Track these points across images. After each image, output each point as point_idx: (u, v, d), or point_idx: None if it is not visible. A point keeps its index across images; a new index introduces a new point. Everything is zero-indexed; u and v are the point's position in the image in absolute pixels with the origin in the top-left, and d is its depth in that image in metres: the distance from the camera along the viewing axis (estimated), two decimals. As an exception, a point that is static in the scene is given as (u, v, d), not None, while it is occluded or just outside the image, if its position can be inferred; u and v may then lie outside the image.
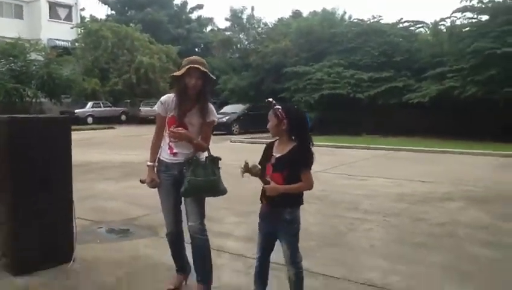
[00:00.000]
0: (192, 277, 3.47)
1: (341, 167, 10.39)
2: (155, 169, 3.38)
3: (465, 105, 17.41)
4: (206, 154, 3.27)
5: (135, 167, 10.40)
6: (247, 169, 2.90)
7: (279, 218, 2.94)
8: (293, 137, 2.95)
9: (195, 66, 3.18)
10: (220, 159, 3.26)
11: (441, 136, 17.43)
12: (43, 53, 28.36)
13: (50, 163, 3.90)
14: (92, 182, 8.05)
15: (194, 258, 3.33)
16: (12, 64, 26.75)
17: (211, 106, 3.37)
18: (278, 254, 3.05)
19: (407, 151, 13.98)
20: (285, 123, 2.90)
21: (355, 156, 12.79)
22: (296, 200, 2.96)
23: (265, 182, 2.91)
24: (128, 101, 34.46)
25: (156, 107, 3.37)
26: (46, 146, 3.87)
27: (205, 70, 3.23)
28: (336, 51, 22.84)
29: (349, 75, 21.00)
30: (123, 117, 32.21)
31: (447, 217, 5.86)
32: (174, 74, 3.28)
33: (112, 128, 25.86)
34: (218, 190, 3.23)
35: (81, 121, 27.84)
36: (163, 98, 3.39)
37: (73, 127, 17.92)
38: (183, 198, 3.30)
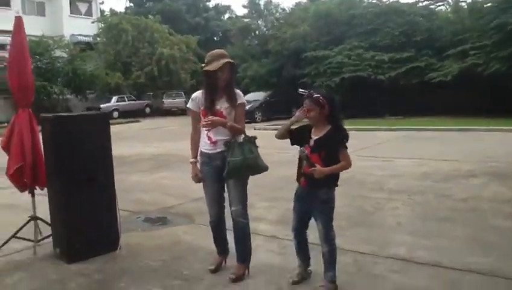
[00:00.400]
0: (230, 258, 3.77)
1: (365, 150, 10.54)
2: (198, 164, 3.61)
3: (488, 82, 17.23)
4: (242, 136, 3.48)
5: (165, 158, 10.81)
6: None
7: (316, 197, 3.19)
8: (329, 120, 3.18)
9: (229, 60, 3.44)
10: (256, 138, 3.48)
11: (464, 115, 17.31)
12: (67, 49, 28.84)
13: (93, 157, 4.20)
14: (126, 175, 8.41)
15: (235, 240, 3.61)
16: (38, 62, 27.27)
17: (238, 91, 3.61)
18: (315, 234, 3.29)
19: (430, 131, 14.02)
20: (327, 109, 3.14)
21: (379, 138, 12.90)
22: (333, 180, 3.21)
23: (311, 165, 3.12)
24: (151, 93, 34.98)
25: (188, 105, 3.64)
26: (88, 141, 4.16)
27: (234, 62, 3.50)
28: (355, 33, 22.72)
29: (370, 57, 20.91)
30: (147, 110, 32.69)
31: (470, 192, 6.02)
32: (207, 68, 3.46)
33: (138, 121, 26.39)
34: (257, 167, 3.45)
35: (107, 116, 28.47)
36: (193, 95, 3.64)
37: None
38: (225, 186, 3.55)
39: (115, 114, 29.48)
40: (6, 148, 4.38)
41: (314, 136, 3.20)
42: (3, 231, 4.75)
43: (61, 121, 4.17)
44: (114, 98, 30.20)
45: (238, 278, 3.51)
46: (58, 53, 28.04)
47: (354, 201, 5.84)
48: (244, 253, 3.60)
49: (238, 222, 3.54)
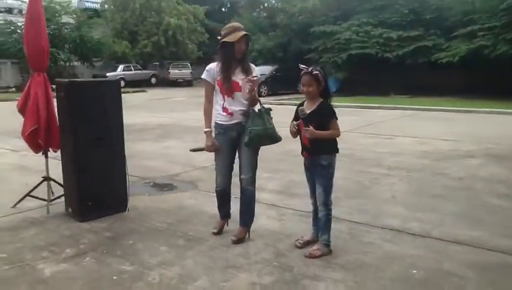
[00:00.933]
0: (232, 221, 4.00)
1: (368, 127, 10.70)
2: (212, 133, 3.76)
3: (495, 64, 17.20)
4: (258, 106, 3.64)
5: (170, 128, 11.02)
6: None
7: (317, 163, 3.45)
8: (322, 95, 3.45)
9: (246, 33, 3.60)
10: (271, 110, 3.65)
11: (470, 96, 17.39)
12: (74, 16, 28.79)
13: (105, 121, 4.41)
14: (131, 143, 8.52)
15: (241, 206, 3.82)
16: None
17: (251, 64, 3.77)
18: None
19: (435, 111, 14.13)
20: (322, 85, 3.41)
21: (383, 116, 13.03)
22: (331, 147, 3.47)
23: (306, 125, 3.37)
24: (157, 63, 34.96)
25: (203, 76, 3.75)
26: (101, 106, 4.36)
27: (250, 35, 3.65)
28: (364, 9, 22.56)
29: (378, 34, 20.82)
30: (153, 80, 32.77)
31: (467, 172, 6.21)
32: (226, 39, 3.59)
33: (144, 91, 26.49)
34: (275, 137, 3.63)
35: (113, 84, 28.57)
36: (208, 66, 3.77)
37: None
38: (237, 155, 3.74)
39: (121, 83, 29.52)
40: (23, 111, 4.59)
41: (308, 110, 3.43)
42: (17, 190, 5.02)
43: (76, 86, 4.35)
44: (120, 67, 30.28)
45: (239, 240, 3.74)
46: (65, 19, 27.95)
47: (352, 175, 6.04)
48: (248, 218, 3.83)
49: (246, 189, 3.74)
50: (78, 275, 3.21)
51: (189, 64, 33.67)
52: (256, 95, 3.65)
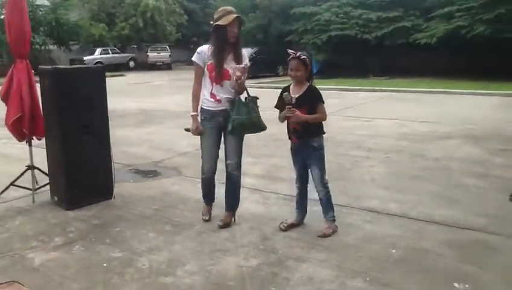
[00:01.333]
0: (218, 207, 4.10)
1: (348, 110, 10.86)
2: (198, 118, 3.78)
3: (473, 45, 17.50)
4: (245, 95, 3.70)
5: (151, 114, 11.00)
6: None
7: (308, 146, 3.59)
8: (308, 79, 3.57)
9: (238, 15, 3.61)
10: (258, 98, 3.70)
11: (449, 77, 17.70)
12: (50, -3, 28.08)
13: (90, 109, 4.41)
14: (113, 129, 8.35)
15: (227, 191, 3.91)
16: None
17: (244, 51, 3.78)
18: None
19: (413, 93, 14.39)
20: (309, 69, 3.52)
21: (362, 99, 13.22)
22: (319, 130, 3.64)
23: (290, 112, 3.46)
24: (135, 46, 34.47)
25: (193, 58, 3.74)
26: (86, 94, 4.36)
27: (242, 19, 3.65)
28: (345, -11, 22.58)
29: (358, 15, 20.92)
30: (131, 64, 32.34)
31: (444, 153, 6.42)
32: (219, 23, 3.59)
33: (122, 75, 26.15)
34: (260, 126, 3.70)
35: (91, 68, 28.10)
36: (199, 48, 3.77)
37: None
38: (222, 140, 3.80)
39: (99, 67, 29.12)
40: (5, 99, 4.56)
41: (295, 94, 3.51)
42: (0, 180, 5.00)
43: (60, 73, 4.34)
44: (98, 50, 29.80)
45: (225, 225, 3.85)
46: (40, 1, 27.20)
47: (333, 158, 6.14)
48: (234, 203, 3.93)
49: (232, 174, 3.83)
50: (69, 263, 3.28)
51: (168, 47, 33.32)
52: (244, 84, 3.66)
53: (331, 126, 8.32)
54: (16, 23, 4.43)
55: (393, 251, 3.40)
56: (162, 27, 32.68)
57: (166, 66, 32.34)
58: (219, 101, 3.71)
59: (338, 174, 5.41)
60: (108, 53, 30.59)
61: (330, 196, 3.74)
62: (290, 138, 3.72)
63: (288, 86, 3.65)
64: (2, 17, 25.79)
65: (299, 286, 2.93)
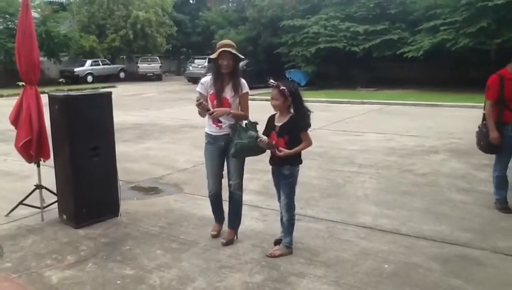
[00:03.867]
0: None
1: (338, 124, 11.19)
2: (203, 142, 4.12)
3: (458, 57, 18.05)
4: (245, 121, 3.95)
5: (146, 128, 11.21)
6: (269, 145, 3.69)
7: (280, 173, 3.81)
8: (292, 109, 3.75)
9: (226, 49, 3.88)
10: (258, 124, 3.91)
11: (435, 89, 18.22)
12: (39, 10, 28.08)
13: (98, 133, 4.67)
14: None
15: (230, 209, 4.18)
16: (10, 23, 26.41)
17: (243, 81, 4.04)
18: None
19: (401, 106, 14.81)
20: (289, 100, 3.70)
21: (351, 111, 13.58)
22: (295, 159, 3.78)
23: (278, 150, 3.69)
24: (124, 57, 34.61)
25: (197, 88, 4.07)
26: (94, 118, 4.61)
27: (234, 52, 3.90)
28: (332, 3, 23.03)
29: (345, 28, 21.34)
30: (122, 74, 32.43)
31: (431, 168, 6.74)
32: (211, 56, 3.98)
33: (114, 86, 26.19)
34: (259, 149, 3.90)
35: (81, 80, 28.17)
36: (202, 79, 4.11)
37: (75, 87, 19.41)
38: (225, 162, 4.06)
39: (89, 78, 29.21)
40: (15, 123, 4.79)
41: (279, 123, 3.76)
42: (4, 197, 5.20)
43: (70, 100, 4.58)
44: (88, 62, 29.84)
45: (229, 242, 4.11)
46: (30, 14, 27.20)
47: (327, 174, 6.48)
48: (236, 221, 4.20)
49: (234, 194, 4.10)
50: (84, 281, 3.50)
51: (158, 58, 33.54)
52: (239, 114, 3.95)
53: (324, 141, 8.67)
54: (26, 51, 4.66)
55: (386, 265, 3.67)
56: (152, 38, 32.92)
57: (156, 77, 32.52)
58: (220, 127, 4.00)
59: (332, 191, 5.69)
60: (99, 64, 30.66)
61: (293, 223, 3.91)
62: (270, 163, 3.89)
63: (274, 115, 3.85)
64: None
65: (301, 300, 3.18)
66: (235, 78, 4.00)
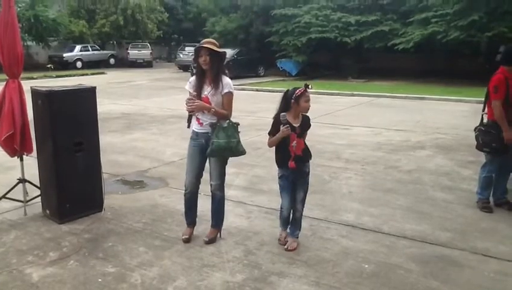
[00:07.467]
0: (205, 220, 4.36)
1: (326, 116, 11.19)
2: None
3: (449, 50, 18.13)
4: (226, 120, 3.92)
5: (135, 118, 11.14)
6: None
7: (302, 172, 3.95)
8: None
9: (204, 45, 3.86)
10: (239, 124, 3.95)
11: (425, 81, 18.29)
12: (27, -7, 27.69)
13: (83, 126, 4.65)
14: None
15: (212, 209, 4.18)
16: (-3, 7, 26.03)
17: (227, 80, 3.98)
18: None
19: (390, 98, 14.86)
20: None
21: (341, 104, 13.60)
22: (311, 154, 4.03)
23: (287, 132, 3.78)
24: (114, 42, 34.28)
25: (186, 87, 4.04)
26: (77, 112, 4.58)
27: (210, 47, 3.85)
28: (324, -8, 22.96)
29: (337, 18, 21.28)
30: (111, 61, 32.18)
31: (416, 164, 6.79)
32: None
33: (103, 73, 26.01)
34: (237, 150, 3.94)
35: (70, 66, 27.89)
36: (191, 78, 4.10)
37: (63, 72, 19.36)
38: (207, 162, 4.05)
39: (79, 64, 28.95)
40: (-3, 116, 4.73)
41: (296, 124, 3.86)
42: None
43: (54, 95, 4.52)
44: (77, 47, 29.57)
45: (211, 241, 4.12)
46: (18, -3, 26.85)
47: (313, 169, 6.37)
48: (218, 220, 4.20)
49: (216, 194, 4.11)
50: (65, 279, 3.50)
51: (148, 44, 33.26)
52: (219, 112, 3.90)
53: (311, 135, 8.58)
54: (9, 44, 4.60)
55: (366, 266, 3.72)
56: (143, 24, 32.63)
57: (146, 64, 32.29)
58: (201, 124, 4.00)
59: (318, 187, 5.70)
60: (88, 50, 30.39)
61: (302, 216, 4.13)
62: (283, 164, 3.89)
63: (278, 114, 3.84)
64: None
65: (281, 300, 3.22)
66: (215, 75, 3.94)
